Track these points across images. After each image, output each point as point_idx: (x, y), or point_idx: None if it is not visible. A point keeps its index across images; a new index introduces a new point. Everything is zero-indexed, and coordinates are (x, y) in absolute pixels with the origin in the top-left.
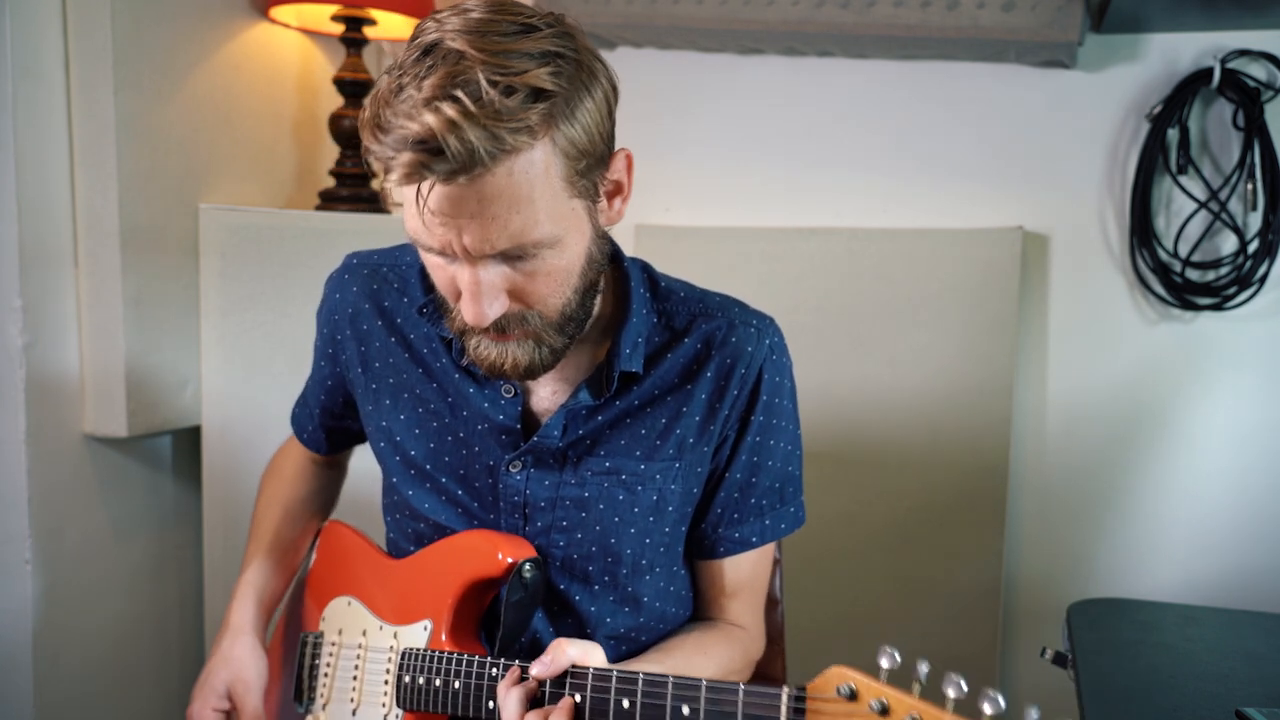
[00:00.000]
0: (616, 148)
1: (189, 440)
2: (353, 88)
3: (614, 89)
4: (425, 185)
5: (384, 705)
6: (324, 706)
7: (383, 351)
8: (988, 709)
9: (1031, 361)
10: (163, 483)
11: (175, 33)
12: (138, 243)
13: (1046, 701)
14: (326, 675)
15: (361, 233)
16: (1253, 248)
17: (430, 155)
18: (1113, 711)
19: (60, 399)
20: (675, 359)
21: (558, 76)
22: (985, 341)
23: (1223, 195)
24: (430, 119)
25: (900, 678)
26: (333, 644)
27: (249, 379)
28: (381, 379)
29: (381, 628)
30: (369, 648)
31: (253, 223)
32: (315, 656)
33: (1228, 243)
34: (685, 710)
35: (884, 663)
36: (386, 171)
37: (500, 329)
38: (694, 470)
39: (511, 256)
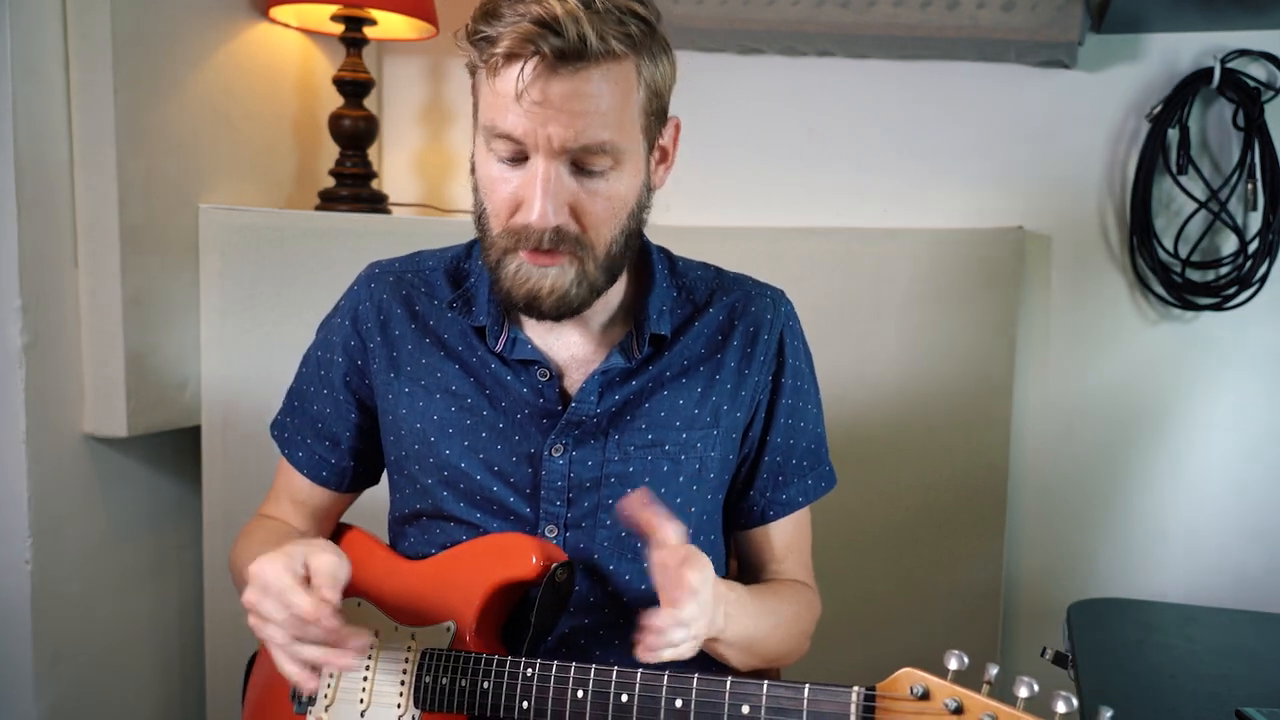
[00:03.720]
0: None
1: (189, 440)
2: (353, 88)
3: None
4: (529, 68)
5: (399, 706)
6: (327, 708)
7: (415, 354)
8: (1060, 708)
9: (1031, 361)
10: (162, 482)
11: (175, 33)
12: (138, 243)
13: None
14: (331, 676)
15: (361, 233)
16: (1253, 248)
17: (548, 32)
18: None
19: (60, 399)
20: (701, 329)
21: (648, 10)
22: (985, 341)
23: (1223, 195)
24: (554, 4)
25: (969, 680)
26: None
27: (249, 379)
28: (414, 381)
29: (397, 629)
30: (382, 648)
31: (253, 223)
32: None
33: (1228, 243)
34: (745, 709)
35: (952, 664)
36: (493, 45)
37: (553, 243)
38: (730, 437)
39: (581, 167)
